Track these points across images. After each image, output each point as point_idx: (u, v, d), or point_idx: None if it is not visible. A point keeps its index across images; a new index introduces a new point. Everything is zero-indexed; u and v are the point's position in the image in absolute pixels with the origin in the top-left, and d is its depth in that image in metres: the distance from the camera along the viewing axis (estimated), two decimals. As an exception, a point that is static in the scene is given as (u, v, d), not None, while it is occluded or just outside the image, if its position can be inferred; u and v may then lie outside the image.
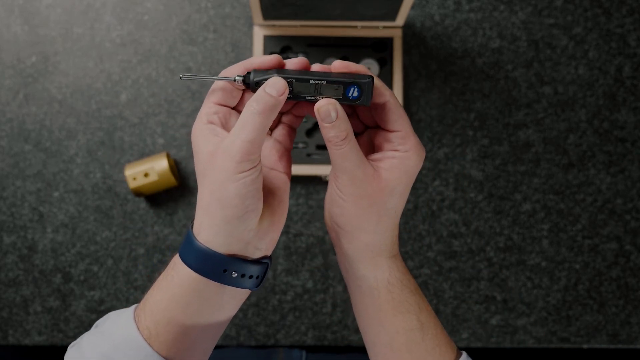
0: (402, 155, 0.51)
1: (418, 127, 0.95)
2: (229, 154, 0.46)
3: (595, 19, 0.96)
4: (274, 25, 0.92)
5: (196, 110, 0.94)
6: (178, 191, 0.94)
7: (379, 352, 0.56)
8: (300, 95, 0.49)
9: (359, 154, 0.50)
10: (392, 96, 0.50)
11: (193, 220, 0.50)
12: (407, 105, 0.95)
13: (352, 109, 0.54)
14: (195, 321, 0.50)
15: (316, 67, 0.50)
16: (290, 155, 0.54)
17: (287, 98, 0.48)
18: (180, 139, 0.94)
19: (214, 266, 0.48)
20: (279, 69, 0.50)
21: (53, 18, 0.95)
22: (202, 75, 0.57)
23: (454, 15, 0.96)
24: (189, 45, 0.95)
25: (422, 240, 0.95)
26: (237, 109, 0.52)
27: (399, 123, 0.51)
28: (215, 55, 0.95)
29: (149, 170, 0.89)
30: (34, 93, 0.95)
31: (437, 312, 0.94)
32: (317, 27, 0.92)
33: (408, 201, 0.94)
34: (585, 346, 0.95)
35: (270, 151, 0.53)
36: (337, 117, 0.48)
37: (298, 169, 0.92)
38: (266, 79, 0.49)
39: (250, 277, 0.49)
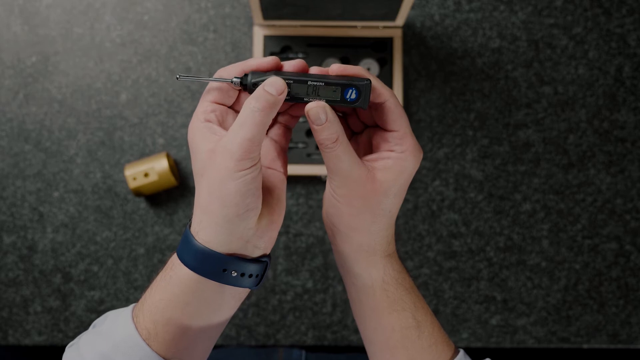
0: (398, 156, 0.51)
1: (418, 127, 0.95)
2: (228, 152, 0.46)
3: (595, 19, 0.96)
4: (274, 25, 0.92)
5: (196, 110, 0.94)
6: (178, 191, 0.94)
7: (375, 349, 0.56)
8: (298, 97, 0.49)
9: (351, 156, 0.50)
10: (391, 96, 0.50)
11: (190, 219, 0.50)
12: (407, 105, 0.95)
13: (351, 109, 0.54)
14: (195, 321, 0.50)
15: (314, 69, 0.50)
16: (286, 154, 0.54)
17: (285, 99, 0.48)
18: (180, 139, 0.94)
19: (214, 266, 0.48)
20: (277, 71, 0.50)
21: (53, 18, 0.95)
22: (200, 77, 0.57)
23: (454, 15, 0.96)
24: (189, 45, 0.95)
25: (422, 240, 0.95)
26: (233, 108, 0.52)
27: (397, 123, 0.51)
28: (215, 55, 0.95)
29: (149, 170, 0.89)
30: (34, 93, 0.95)
31: (437, 312, 0.94)
32: (317, 27, 0.92)
33: (408, 201, 0.94)
34: (585, 346, 0.95)
35: (267, 150, 0.53)
36: (326, 120, 0.48)
37: (298, 169, 0.92)
38: (263, 81, 0.49)
39: (250, 276, 0.49)
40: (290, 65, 0.50)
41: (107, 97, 0.95)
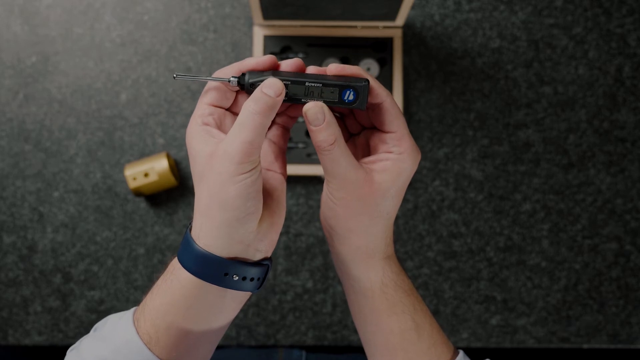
0: (396, 158, 0.50)
1: (418, 127, 0.95)
2: (228, 155, 0.45)
3: (595, 19, 0.96)
4: (274, 25, 0.92)
5: (196, 110, 0.94)
6: (178, 191, 0.94)
7: (375, 352, 0.56)
8: (296, 98, 0.49)
9: (349, 158, 0.49)
10: (388, 97, 0.50)
11: (190, 223, 0.50)
12: (407, 106, 0.95)
13: (349, 110, 0.54)
14: (196, 325, 0.50)
15: (312, 69, 0.50)
16: (285, 155, 0.54)
17: (283, 100, 0.48)
18: (180, 139, 0.94)
19: (215, 270, 0.47)
20: (274, 71, 0.50)
21: (53, 18, 0.95)
22: (197, 76, 0.57)
23: (454, 15, 0.96)
24: (189, 45, 0.95)
25: (422, 240, 0.95)
26: (231, 110, 0.52)
27: (394, 124, 0.50)
28: (215, 55, 0.95)
29: (149, 170, 0.89)
30: (34, 93, 0.94)
31: (437, 312, 0.94)
32: (317, 27, 0.92)
33: (408, 201, 0.94)
34: (585, 346, 0.95)
35: (266, 152, 0.52)
36: (324, 120, 0.48)
37: (298, 169, 0.92)
38: (261, 81, 0.48)
39: (252, 279, 0.49)
40: (287, 65, 0.50)
41: (107, 97, 0.95)
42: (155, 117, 0.95)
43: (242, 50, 0.96)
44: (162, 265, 0.94)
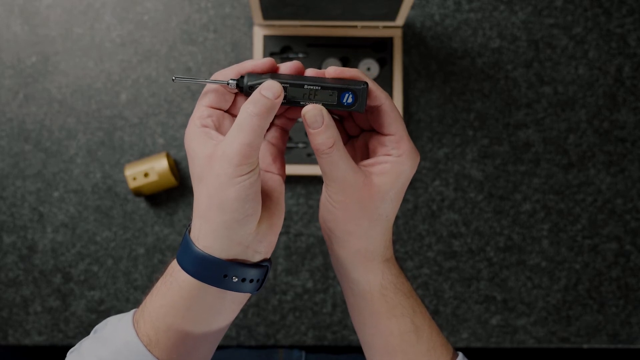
0: (395, 160, 0.50)
1: (418, 127, 0.95)
2: (227, 157, 0.45)
3: (595, 19, 0.96)
4: (274, 25, 0.92)
5: (196, 110, 0.94)
6: (178, 191, 0.94)
7: (374, 354, 0.56)
8: (295, 101, 0.49)
9: (347, 162, 0.49)
10: (387, 99, 0.50)
11: (189, 225, 0.50)
12: (407, 106, 0.95)
13: (347, 112, 0.54)
14: (196, 327, 0.50)
15: (310, 72, 0.50)
16: (284, 157, 0.54)
17: (282, 103, 0.48)
18: (180, 139, 0.94)
19: (214, 272, 0.47)
20: (273, 73, 0.50)
21: (53, 18, 0.95)
22: (195, 79, 0.57)
23: (454, 15, 0.96)
24: (189, 45, 0.95)
25: (422, 240, 0.95)
26: (230, 112, 0.52)
27: (393, 127, 0.50)
28: (215, 55, 0.95)
29: (149, 170, 0.89)
30: (34, 93, 0.94)
31: (437, 312, 0.94)
32: (317, 27, 0.92)
33: (408, 201, 0.94)
34: (585, 346, 0.95)
35: (264, 153, 0.52)
36: (323, 123, 0.48)
37: (298, 169, 0.92)
38: (260, 83, 0.48)
39: (251, 281, 0.49)
40: (286, 67, 0.50)
41: (107, 97, 0.95)
42: (155, 117, 0.95)
43: (242, 50, 0.96)
44: (162, 266, 0.94)
